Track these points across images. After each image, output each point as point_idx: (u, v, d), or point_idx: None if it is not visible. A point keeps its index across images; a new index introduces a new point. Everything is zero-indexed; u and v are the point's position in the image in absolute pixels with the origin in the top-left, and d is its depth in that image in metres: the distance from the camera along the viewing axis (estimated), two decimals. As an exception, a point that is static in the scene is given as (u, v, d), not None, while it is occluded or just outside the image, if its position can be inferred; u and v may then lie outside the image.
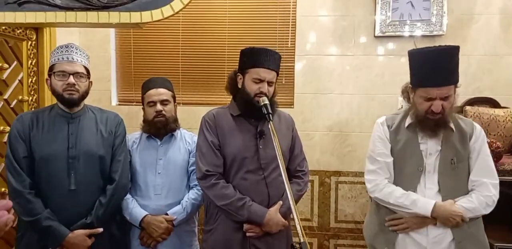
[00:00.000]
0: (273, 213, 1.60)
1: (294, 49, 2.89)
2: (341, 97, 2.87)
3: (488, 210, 1.59)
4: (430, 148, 1.64)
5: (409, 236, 1.62)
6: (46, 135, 1.70)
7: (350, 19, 2.83)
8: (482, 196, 1.58)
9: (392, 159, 1.68)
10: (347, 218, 2.89)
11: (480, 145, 1.64)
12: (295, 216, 1.17)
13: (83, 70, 1.74)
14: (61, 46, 1.73)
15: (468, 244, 1.58)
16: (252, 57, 1.64)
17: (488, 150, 1.66)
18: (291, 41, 2.90)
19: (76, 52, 1.73)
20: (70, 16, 1.57)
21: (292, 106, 2.89)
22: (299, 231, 1.13)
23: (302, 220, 2.89)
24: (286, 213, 1.65)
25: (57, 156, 1.68)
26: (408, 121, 1.68)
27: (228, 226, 1.63)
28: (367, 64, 2.84)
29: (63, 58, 1.70)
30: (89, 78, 1.78)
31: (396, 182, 1.67)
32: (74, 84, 1.69)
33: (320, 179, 2.88)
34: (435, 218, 1.57)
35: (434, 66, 1.53)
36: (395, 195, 1.61)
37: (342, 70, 2.86)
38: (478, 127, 1.68)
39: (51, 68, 1.73)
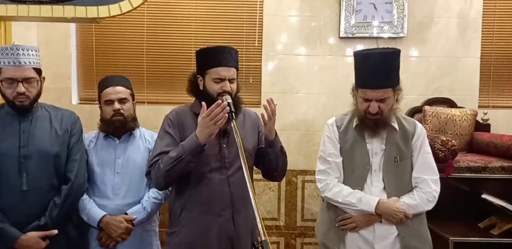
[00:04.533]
0: None
1: (261, 49, 2.90)
2: (308, 96, 2.91)
3: (430, 206, 1.67)
4: (375, 148, 1.71)
5: (358, 233, 1.68)
6: None
7: (316, 20, 2.87)
8: (423, 192, 1.66)
9: (341, 159, 1.73)
10: (314, 216, 2.92)
11: (421, 143, 1.72)
12: (256, 215, 1.17)
13: (32, 74, 1.64)
14: (5, 48, 1.61)
15: (411, 239, 1.65)
16: (208, 57, 1.62)
17: (429, 148, 1.75)
18: (258, 41, 2.91)
19: (23, 54, 1.61)
20: (22, 9, 1.50)
21: (259, 105, 2.89)
22: (261, 230, 1.13)
23: (269, 220, 2.90)
24: None
25: (8, 156, 1.61)
26: (355, 121, 1.74)
27: (191, 229, 1.60)
28: (333, 65, 2.89)
29: (9, 62, 1.60)
30: (40, 76, 1.70)
31: (345, 181, 1.73)
32: (24, 92, 1.62)
33: (287, 178, 2.90)
34: (381, 216, 1.63)
35: (373, 69, 1.59)
36: (343, 194, 1.67)
37: (308, 70, 2.89)
38: (419, 126, 1.76)
39: None
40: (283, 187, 2.92)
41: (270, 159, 1.64)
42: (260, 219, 1.16)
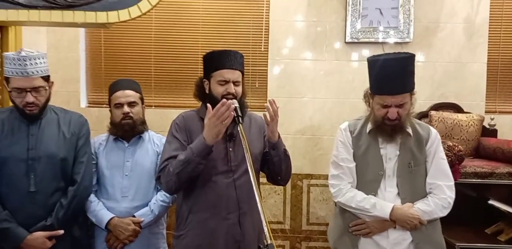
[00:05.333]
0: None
1: (267, 53, 2.91)
2: (314, 101, 2.91)
3: (445, 212, 1.65)
4: (389, 153, 1.69)
5: (371, 239, 1.67)
6: (5, 136, 1.67)
7: (322, 25, 2.88)
8: (438, 198, 1.64)
9: (354, 164, 1.72)
10: (319, 220, 2.92)
11: (435, 149, 1.70)
12: (262, 218, 1.18)
13: (40, 83, 1.66)
14: (13, 58, 1.61)
15: (426, 245, 1.64)
16: (214, 61, 1.64)
17: (443, 154, 1.73)
18: (264, 45, 2.93)
19: (30, 64, 1.61)
20: (33, 14, 1.53)
21: (265, 110, 2.90)
22: (266, 233, 1.14)
23: (274, 223, 2.90)
24: None
25: (16, 158, 1.64)
26: (369, 126, 1.73)
27: (198, 232, 1.60)
28: (339, 69, 2.90)
29: (17, 73, 1.61)
30: (49, 83, 1.72)
31: (358, 186, 1.71)
32: (33, 102, 1.64)
33: (292, 182, 2.90)
34: (395, 222, 1.62)
35: (389, 75, 1.58)
36: (357, 199, 1.65)
37: (314, 75, 2.90)
38: (434, 131, 1.74)
39: (6, 79, 1.66)
40: (289, 191, 2.92)
41: (273, 162, 1.64)
42: (266, 222, 1.17)
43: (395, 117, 1.61)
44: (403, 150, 1.68)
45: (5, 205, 1.62)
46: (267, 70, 2.92)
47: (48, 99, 1.73)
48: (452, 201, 1.65)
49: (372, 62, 1.66)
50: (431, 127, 1.76)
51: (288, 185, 2.90)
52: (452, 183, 1.69)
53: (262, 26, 2.92)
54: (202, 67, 1.73)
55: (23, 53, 1.60)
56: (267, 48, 2.92)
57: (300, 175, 2.90)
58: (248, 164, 1.34)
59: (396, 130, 1.65)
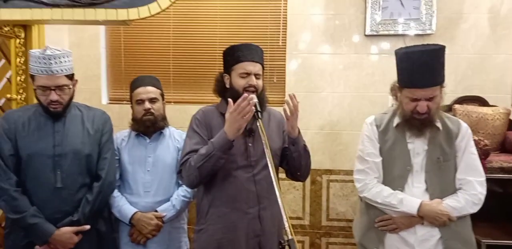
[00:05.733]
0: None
1: (285, 48, 2.89)
2: (332, 95, 2.88)
3: (475, 209, 1.61)
4: (417, 148, 1.65)
5: (398, 235, 1.64)
6: (32, 133, 1.70)
7: (341, 18, 2.84)
8: (468, 195, 1.60)
9: (380, 159, 1.69)
10: (339, 216, 2.90)
11: (466, 144, 1.66)
12: (283, 214, 1.18)
13: (64, 81, 1.67)
14: (38, 57, 1.62)
15: (455, 242, 1.60)
16: (234, 54, 1.64)
17: (474, 148, 1.68)
18: (282, 40, 2.91)
19: (55, 62, 1.62)
20: (56, 13, 1.56)
21: (284, 104, 2.89)
22: (287, 228, 1.14)
23: (293, 219, 2.90)
24: None
25: (43, 154, 1.67)
26: (396, 120, 1.69)
27: (219, 226, 1.62)
28: (358, 63, 2.85)
29: (42, 71, 1.62)
30: (73, 81, 1.74)
31: (385, 182, 1.68)
32: (57, 100, 1.67)
33: (312, 177, 2.89)
34: (423, 218, 1.59)
35: (419, 67, 1.53)
36: (383, 195, 1.63)
37: (333, 69, 2.87)
38: (464, 125, 1.69)
39: (31, 77, 1.68)
40: (308, 187, 2.91)
41: (293, 157, 1.64)
42: (286, 217, 1.17)
43: (424, 111, 1.57)
44: (432, 144, 1.64)
45: (32, 201, 1.65)
46: (285, 64, 2.90)
47: (72, 97, 1.76)
48: (483, 197, 1.60)
49: (401, 55, 1.61)
50: (461, 121, 1.71)
51: (308, 180, 2.88)
52: (483, 178, 1.64)
53: (280, 20, 2.90)
54: (220, 62, 1.73)
55: (48, 52, 1.62)
56: (285, 42, 2.89)
57: (319, 171, 2.89)
58: (268, 160, 1.34)
59: (425, 124, 1.61)
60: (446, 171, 1.64)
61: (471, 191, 1.60)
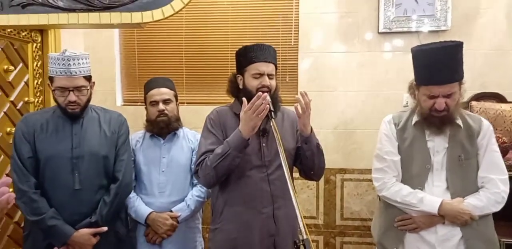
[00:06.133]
0: None
1: (298, 47, 2.88)
2: (346, 94, 2.86)
3: (498, 207, 1.58)
4: (437, 146, 1.63)
5: (418, 234, 1.62)
6: (50, 135, 1.73)
7: (354, 16, 2.81)
8: (491, 193, 1.57)
9: (399, 157, 1.67)
10: (353, 215, 2.88)
11: (487, 141, 1.62)
12: (298, 214, 1.18)
13: (82, 83, 1.71)
14: (57, 58, 1.66)
15: (477, 241, 1.56)
16: (248, 55, 1.64)
17: (496, 146, 1.64)
18: (294, 39, 2.90)
19: (74, 64, 1.66)
20: (73, 17, 1.59)
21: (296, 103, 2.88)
22: (302, 228, 1.14)
23: (307, 218, 2.89)
24: None
25: (61, 156, 1.70)
26: (415, 118, 1.67)
27: (234, 225, 1.63)
28: (372, 61, 2.82)
29: (61, 72, 1.66)
30: (90, 82, 1.77)
31: (404, 180, 1.66)
32: (75, 101, 1.69)
33: (325, 176, 2.87)
34: (443, 217, 1.56)
35: (436, 64, 1.51)
36: (402, 194, 1.61)
37: (346, 67, 2.84)
38: (486, 123, 1.66)
39: (50, 78, 1.72)
40: (322, 186, 2.89)
41: (306, 156, 1.63)
42: (301, 217, 1.17)
43: (443, 108, 1.54)
44: (453, 142, 1.61)
45: (51, 203, 1.68)
46: (297, 64, 2.89)
47: (89, 99, 1.79)
48: (506, 196, 1.57)
49: (418, 52, 1.59)
50: (482, 119, 1.68)
51: (321, 179, 2.85)
52: (506, 176, 1.60)
53: (292, 19, 2.89)
54: (232, 63, 1.73)
55: (67, 53, 1.66)
56: (297, 41, 2.88)
57: (333, 170, 2.87)
58: (282, 160, 1.34)
59: (444, 121, 1.59)
60: (467, 169, 1.61)
61: (493, 190, 1.57)
